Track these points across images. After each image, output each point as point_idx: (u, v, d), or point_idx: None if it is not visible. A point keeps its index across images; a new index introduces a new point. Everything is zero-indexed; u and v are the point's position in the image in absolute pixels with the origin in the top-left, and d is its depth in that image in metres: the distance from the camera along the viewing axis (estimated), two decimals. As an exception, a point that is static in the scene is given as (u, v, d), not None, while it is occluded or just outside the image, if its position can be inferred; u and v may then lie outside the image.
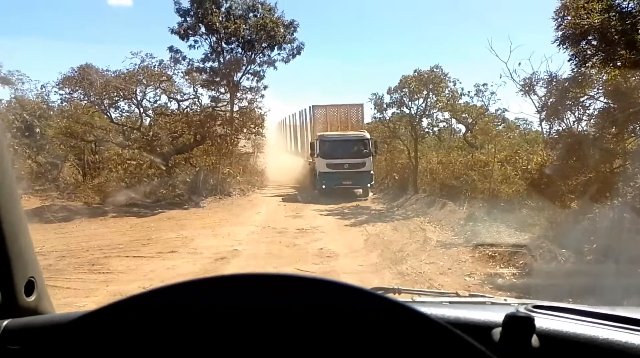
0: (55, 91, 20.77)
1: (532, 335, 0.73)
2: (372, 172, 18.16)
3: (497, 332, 0.76)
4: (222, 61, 18.09)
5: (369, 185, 18.04)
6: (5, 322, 0.98)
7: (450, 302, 1.22)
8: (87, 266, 8.37)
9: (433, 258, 8.58)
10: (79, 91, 19.99)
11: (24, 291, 1.06)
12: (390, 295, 1.38)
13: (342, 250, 9.34)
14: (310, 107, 21.80)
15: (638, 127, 7.46)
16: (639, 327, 0.85)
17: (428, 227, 11.57)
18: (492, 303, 1.23)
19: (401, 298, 1.40)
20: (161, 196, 16.34)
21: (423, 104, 18.18)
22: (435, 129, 23.82)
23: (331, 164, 17.62)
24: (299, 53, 18.43)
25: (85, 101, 19.62)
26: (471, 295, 1.39)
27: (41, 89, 21.71)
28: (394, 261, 8.42)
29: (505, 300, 1.27)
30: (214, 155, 17.76)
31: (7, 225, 0.99)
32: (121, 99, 19.69)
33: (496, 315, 0.78)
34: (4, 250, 0.99)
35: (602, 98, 8.00)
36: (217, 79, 18.22)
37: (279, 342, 0.69)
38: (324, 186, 17.56)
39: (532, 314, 0.85)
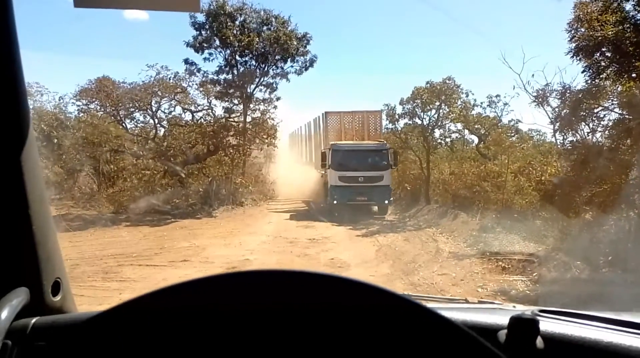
0: (72, 103, 21.17)
1: (536, 336, 0.75)
2: (390, 187, 16.32)
3: (502, 334, 0.78)
4: (235, 73, 18.33)
5: (386, 201, 15.95)
6: (33, 320, 1.03)
7: (459, 308, 1.24)
8: (100, 275, 8.47)
9: (445, 269, 8.52)
10: (96, 102, 20.39)
11: (51, 292, 1.11)
12: None
13: (354, 260, 9.32)
14: (322, 114, 19.33)
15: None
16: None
17: (440, 238, 11.50)
18: (501, 308, 1.25)
19: None
20: (174, 205, 16.49)
21: (435, 115, 18.15)
22: (448, 140, 23.77)
23: (344, 177, 15.69)
24: (311, 65, 18.62)
25: (102, 112, 20.00)
26: (480, 302, 1.40)
27: (59, 100, 22.12)
28: (406, 272, 8.38)
29: (514, 306, 1.28)
30: (227, 165, 17.90)
31: (37, 228, 1.05)
32: (136, 110, 20.04)
33: (503, 318, 0.81)
34: (34, 252, 1.05)
35: (616, 109, 7.94)
36: (231, 91, 18.44)
37: (298, 339, 0.72)
38: (335, 202, 15.70)
39: (538, 317, 0.88)
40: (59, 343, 0.85)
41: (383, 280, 7.97)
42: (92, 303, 6.90)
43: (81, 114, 20.97)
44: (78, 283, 7.94)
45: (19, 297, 0.99)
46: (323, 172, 17.94)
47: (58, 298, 1.15)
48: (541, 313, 0.95)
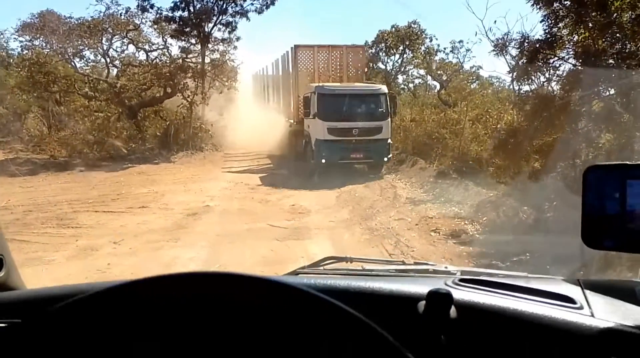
0: (15, 38, 19.70)
1: (449, 308, 0.83)
2: (389, 141, 13.33)
3: (422, 305, 0.86)
4: (192, 10, 17.37)
5: (386, 159, 13.13)
6: None
7: (396, 270, 1.35)
8: (55, 221, 8.29)
9: (402, 214, 8.82)
10: (41, 38, 19.04)
11: None
12: (342, 264, 1.48)
13: (314, 206, 9.48)
14: (292, 49, 15.40)
15: (602, 91, 7.65)
16: (549, 299, 0.96)
17: (399, 184, 11.81)
18: (434, 270, 1.35)
19: (352, 266, 1.49)
20: (131, 150, 16.03)
21: (399, 60, 18.05)
22: (411, 85, 23.85)
23: (335, 130, 12.63)
24: (272, 3, 17.84)
25: (48, 50, 18.72)
26: (416, 263, 1.50)
27: (-1, 35, 20.50)
28: (364, 218, 8.63)
29: (446, 267, 1.38)
30: (185, 108, 17.37)
31: None
32: (86, 49, 18.89)
33: (426, 288, 0.88)
34: None
35: (571, 60, 8.14)
36: (187, 30, 17.55)
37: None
38: (323, 161, 12.65)
39: (456, 287, 1.01)
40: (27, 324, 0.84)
41: (342, 225, 8.20)
42: (47, 250, 6.80)
43: (25, 52, 19.60)
44: (32, 229, 7.76)
45: None
46: (292, 121, 15.54)
47: (1, 274, 1.13)
48: (460, 283, 1.04)
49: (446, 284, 1.03)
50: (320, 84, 13.53)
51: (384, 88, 14.00)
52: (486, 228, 7.86)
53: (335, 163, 12.71)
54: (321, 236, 7.53)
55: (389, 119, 13.32)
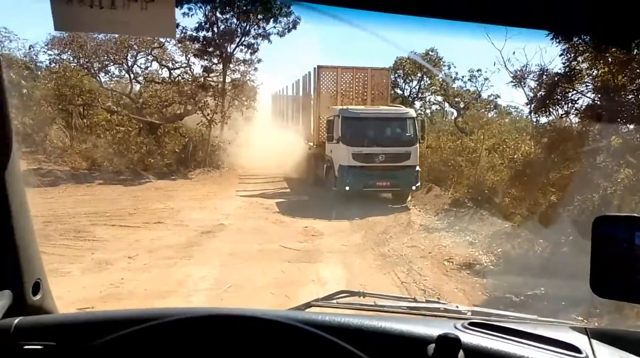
0: (44, 51, 20.37)
1: (458, 353, 0.87)
2: (418, 169, 12.54)
3: (431, 348, 0.90)
4: (216, 31, 17.80)
5: (414, 187, 12.41)
6: (16, 320, 1.09)
7: (407, 307, 1.38)
8: (73, 233, 8.44)
9: (415, 241, 8.78)
10: (69, 52, 19.62)
11: (32, 292, 1.16)
12: (355, 298, 1.51)
13: (327, 229, 9.49)
14: (314, 69, 14.67)
15: (621, 126, 7.61)
16: (555, 347, 0.98)
17: (413, 210, 11.76)
18: (445, 309, 1.38)
19: (365, 301, 1.53)
20: (149, 165, 16.29)
21: (417, 87, 18.18)
22: (428, 111, 23.92)
23: (360, 155, 12.11)
24: (294, 27, 18.19)
25: (75, 64, 19.29)
26: (427, 301, 1.53)
27: (29, 49, 21.18)
28: (377, 243, 8.61)
29: (457, 306, 1.40)
30: (205, 126, 17.66)
31: (18, 231, 1.08)
32: (111, 64, 19.41)
33: (436, 330, 0.91)
34: (16, 256, 1.09)
35: (590, 94, 8.13)
36: (210, 49, 17.96)
37: None
38: (347, 188, 12.06)
39: (465, 331, 1.05)
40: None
41: (354, 249, 8.19)
42: (63, 262, 6.91)
43: (53, 65, 20.21)
44: (50, 241, 7.89)
45: (2, 300, 1.03)
46: (312, 144, 14.94)
47: (38, 297, 1.20)
48: (470, 327, 1.07)
49: (456, 327, 1.06)
50: (345, 107, 12.95)
51: (412, 112, 13.41)
52: (500, 260, 7.76)
53: (359, 191, 12.07)
54: (332, 259, 7.53)
55: (417, 145, 12.63)
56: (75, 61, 19.45)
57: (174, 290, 5.99)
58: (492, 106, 21.41)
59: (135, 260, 7.10)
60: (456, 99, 21.33)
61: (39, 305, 1.21)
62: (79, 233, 8.48)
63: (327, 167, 13.12)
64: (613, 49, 7.50)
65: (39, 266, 1.22)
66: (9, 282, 1.10)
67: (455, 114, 21.53)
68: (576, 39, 7.48)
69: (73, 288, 5.69)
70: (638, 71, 7.52)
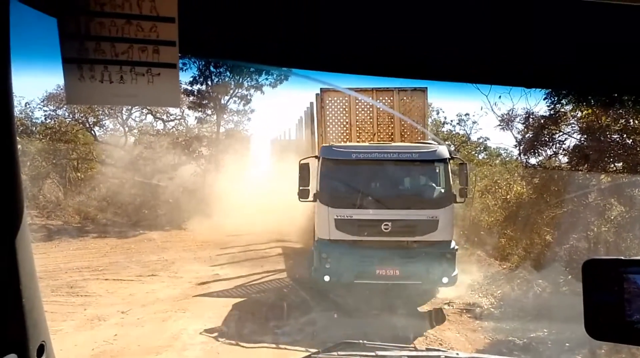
0: (39, 108, 20.67)
1: None
2: (454, 246, 7.84)
3: None
4: (210, 84, 18.27)
5: (445, 280, 7.55)
6: None
7: (408, 356, 1.39)
8: (65, 289, 8.28)
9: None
10: (64, 108, 19.95)
11: (36, 354, 1.16)
12: (356, 349, 1.52)
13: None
14: (317, 96, 10.19)
15: (609, 165, 7.78)
16: None
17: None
18: (446, 357, 1.38)
19: (366, 351, 1.53)
20: (143, 216, 16.21)
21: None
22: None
23: (348, 223, 7.76)
24: (286, 79, 18.71)
25: (70, 119, 19.58)
26: (428, 349, 1.53)
27: (25, 106, 21.52)
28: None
29: (457, 354, 1.41)
30: (199, 176, 17.75)
31: (26, 294, 1.10)
32: (106, 118, 19.70)
33: None
34: (23, 318, 1.10)
35: (576, 134, 8.36)
36: (204, 102, 18.37)
37: None
38: (326, 278, 7.61)
39: None
40: None
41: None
42: (55, 320, 6.74)
43: (48, 120, 20.48)
44: (42, 298, 7.72)
45: None
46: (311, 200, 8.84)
47: None
48: None
49: None
50: (329, 145, 8.62)
51: (443, 150, 8.23)
52: (501, 302, 7.70)
53: (350, 283, 7.64)
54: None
55: (451, 206, 7.89)
56: (71, 116, 19.76)
57: (167, 345, 5.84)
58: (482, 148, 21.79)
59: (129, 315, 6.95)
60: (447, 142, 21.71)
61: None
62: (72, 288, 8.33)
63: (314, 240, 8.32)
64: (594, 92, 7.79)
65: (44, 328, 1.22)
66: (14, 345, 1.10)
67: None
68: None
69: (65, 347, 5.55)
70: (620, 111, 7.78)
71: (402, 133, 9.82)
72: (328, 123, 9.92)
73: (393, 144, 8.94)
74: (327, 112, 9.93)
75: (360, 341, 1.60)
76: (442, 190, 7.96)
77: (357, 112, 9.92)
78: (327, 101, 9.96)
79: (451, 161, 8.23)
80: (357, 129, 9.82)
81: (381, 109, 9.81)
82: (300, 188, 7.90)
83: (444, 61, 1.10)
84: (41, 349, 1.19)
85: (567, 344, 5.64)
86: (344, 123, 9.91)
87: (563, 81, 1.38)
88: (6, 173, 1.05)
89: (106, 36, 0.93)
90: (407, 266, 7.49)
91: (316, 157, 8.25)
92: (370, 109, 9.92)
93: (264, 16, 0.98)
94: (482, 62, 1.05)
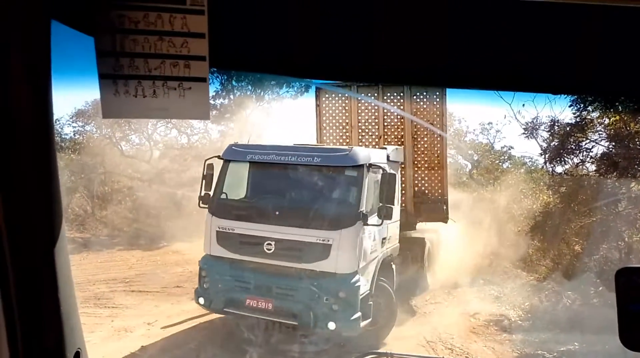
0: (68, 124, 21.35)
1: None
2: (357, 280, 6.11)
3: None
4: (232, 98, 18.58)
5: (333, 326, 5.94)
6: None
7: None
8: (93, 301, 8.43)
9: (439, 297, 8.55)
10: (92, 124, 20.56)
11: None
12: None
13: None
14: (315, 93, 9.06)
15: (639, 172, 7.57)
16: None
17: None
18: None
19: None
20: (167, 228, 16.45)
21: (428, 142, 18.33)
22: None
23: (229, 237, 6.65)
24: (307, 91, 18.89)
25: (97, 134, 20.15)
26: None
27: (55, 122, 22.29)
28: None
29: None
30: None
31: (64, 303, 1.14)
32: (132, 133, 20.21)
33: None
34: (61, 327, 1.14)
35: (603, 142, 8.16)
36: (227, 116, 18.67)
37: None
38: (201, 301, 6.58)
39: None
40: None
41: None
42: (84, 331, 6.87)
43: (77, 136, 21.12)
44: (70, 309, 7.89)
45: None
46: None
47: None
48: None
49: None
50: (232, 145, 7.36)
51: (359, 155, 6.48)
52: (529, 314, 7.51)
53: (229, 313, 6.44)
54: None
55: (357, 228, 6.14)
56: (98, 131, 20.34)
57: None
58: (506, 157, 21.44)
59: (155, 326, 7.03)
60: (469, 152, 21.46)
61: None
62: (99, 300, 8.48)
63: None
64: (622, 98, 7.61)
65: (80, 336, 1.26)
66: (52, 352, 1.14)
67: (470, 166, 21.58)
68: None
69: (93, 358, 5.63)
70: (650, 117, 7.58)
71: (415, 137, 8.51)
72: (324, 124, 8.79)
73: (310, 145, 7.48)
74: (324, 113, 8.80)
75: (387, 351, 1.59)
76: (346, 206, 6.29)
77: (360, 112, 8.70)
78: (324, 100, 8.80)
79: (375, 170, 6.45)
80: (360, 131, 8.67)
81: (388, 109, 8.60)
82: (203, 192, 6.90)
83: (465, 68, 1.10)
84: (77, 356, 1.23)
85: (599, 358, 5.46)
86: (344, 124, 8.77)
87: (590, 86, 1.37)
88: (46, 185, 1.10)
89: (140, 52, 0.97)
90: (285, 300, 6.05)
91: (219, 157, 7.08)
92: (376, 109, 8.70)
93: (291, 29, 1.01)
94: (505, 68, 1.06)
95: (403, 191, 8.18)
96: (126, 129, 20.13)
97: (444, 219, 8.35)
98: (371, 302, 6.18)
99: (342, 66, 1.08)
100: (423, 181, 8.42)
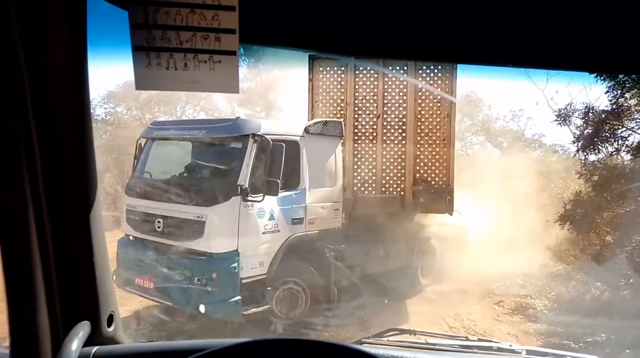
0: (100, 106, 21.86)
1: None
2: (235, 264, 5.64)
3: None
4: (259, 81, 18.64)
5: (203, 309, 5.68)
6: (94, 349, 1.23)
7: (459, 345, 1.36)
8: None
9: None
10: (123, 105, 21.00)
11: (106, 324, 1.27)
12: (406, 336, 1.52)
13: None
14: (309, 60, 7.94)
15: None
16: None
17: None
18: (499, 348, 1.35)
19: (416, 339, 1.52)
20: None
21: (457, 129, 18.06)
22: (470, 152, 23.59)
23: (135, 214, 6.67)
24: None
25: (128, 116, 20.57)
26: (480, 340, 1.50)
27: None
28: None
29: (510, 345, 1.37)
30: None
31: (98, 268, 1.21)
32: (162, 115, 20.54)
33: None
34: (95, 290, 1.21)
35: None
36: (254, 99, 18.76)
37: None
38: (114, 277, 6.29)
39: None
40: None
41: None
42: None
43: (108, 117, 21.63)
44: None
45: (83, 330, 1.15)
46: None
47: (111, 329, 1.31)
48: None
49: None
50: (152, 122, 7.98)
51: (247, 125, 6.12)
52: (555, 304, 7.40)
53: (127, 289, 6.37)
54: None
55: (234, 203, 5.70)
56: (129, 113, 20.77)
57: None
58: (536, 145, 20.90)
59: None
60: (499, 139, 20.98)
61: (112, 336, 1.31)
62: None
63: None
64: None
65: (113, 299, 1.33)
66: (88, 314, 1.21)
67: (499, 153, 21.13)
68: (622, 76, 7.35)
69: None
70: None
71: (419, 117, 7.60)
72: (315, 101, 7.93)
73: (200, 118, 6.85)
74: (316, 86, 7.95)
75: (411, 328, 1.60)
76: (224, 181, 5.87)
77: (357, 88, 7.88)
78: (317, 72, 7.96)
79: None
80: (356, 108, 7.85)
81: (390, 85, 7.73)
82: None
83: (492, 42, 1.05)
84: (110, 318, 1.29)
85: (627, 350, 5.34)
86: (338, 102, 7.91)
87: (628, 66, 1.29)
88: (83, 160, 1.14)
89: (172, 25, 0.99)
90: (164, 280, 5.89)
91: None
92: (375, 85, 7.82)
93: (320, 3, 1.00)
94: (537, 43, 1.00)
95: (385, 175, 7.60)
96: (156, 111, 20.48)
97: (447, 211, 7.53)
98: (270, 287, 5.85)
99: (380, 41, 1.06)
100: (426, 168, 7.58)
